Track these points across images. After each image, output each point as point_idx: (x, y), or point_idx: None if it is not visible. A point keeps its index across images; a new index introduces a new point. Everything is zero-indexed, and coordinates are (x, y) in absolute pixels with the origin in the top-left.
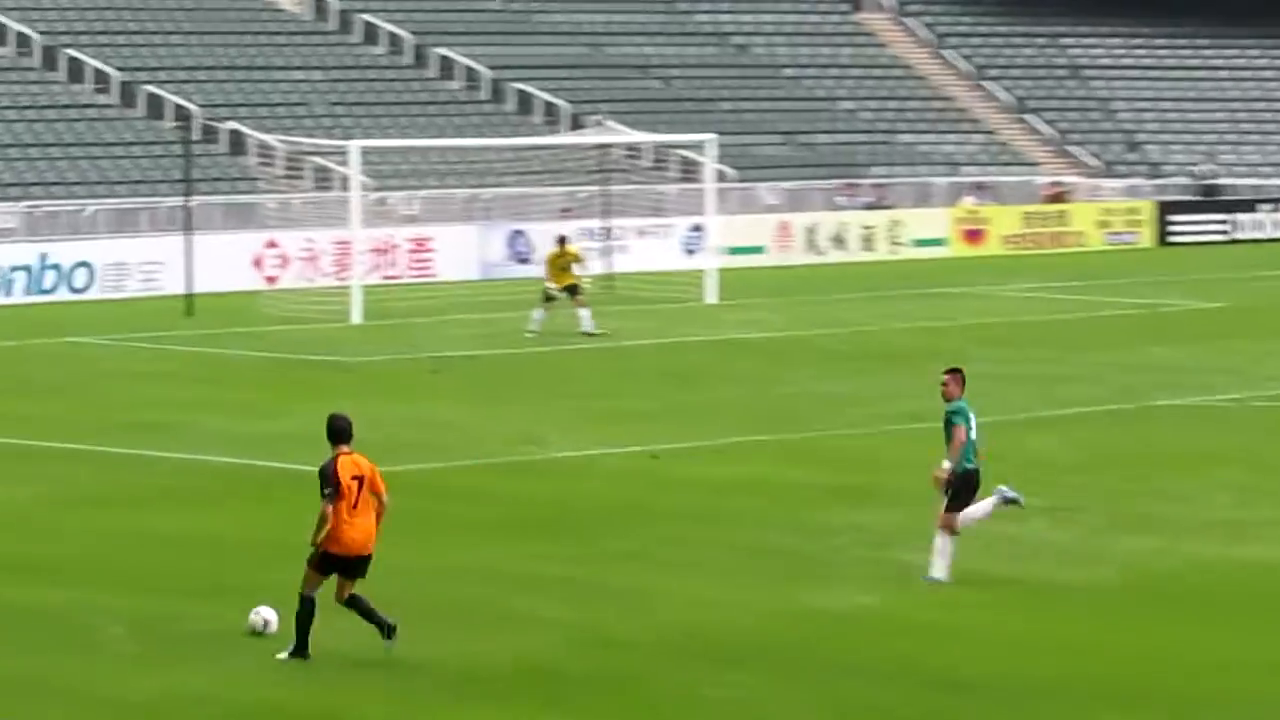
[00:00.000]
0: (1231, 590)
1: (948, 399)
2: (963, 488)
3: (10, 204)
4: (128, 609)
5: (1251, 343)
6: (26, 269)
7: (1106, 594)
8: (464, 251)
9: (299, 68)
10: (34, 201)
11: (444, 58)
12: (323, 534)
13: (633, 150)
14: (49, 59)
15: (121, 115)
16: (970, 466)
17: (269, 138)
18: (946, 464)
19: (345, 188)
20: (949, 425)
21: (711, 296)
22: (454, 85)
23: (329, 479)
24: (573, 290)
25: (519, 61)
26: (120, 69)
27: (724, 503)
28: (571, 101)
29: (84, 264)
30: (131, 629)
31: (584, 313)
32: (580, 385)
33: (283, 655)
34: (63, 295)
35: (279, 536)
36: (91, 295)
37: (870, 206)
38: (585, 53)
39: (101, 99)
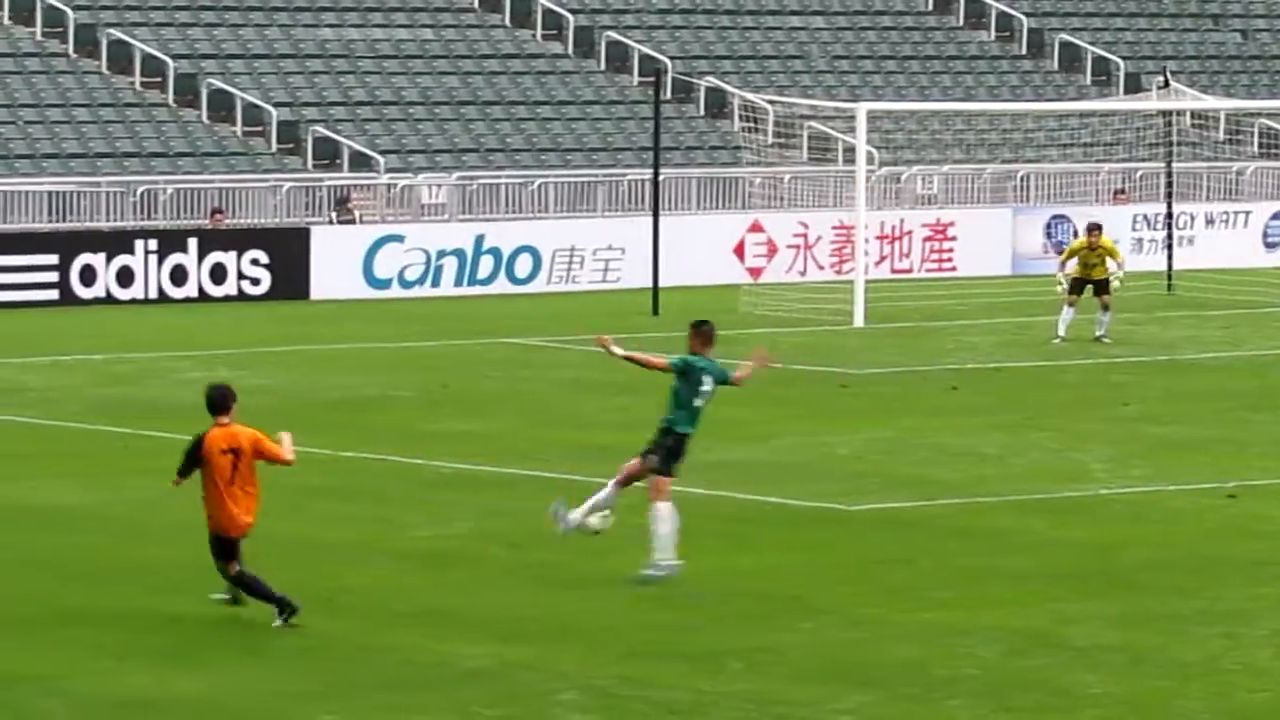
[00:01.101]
0: None
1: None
2: (674, 449)
3: (440, 174)
4: (578, 671)
5: None
6: (459, 254)
7: None
8: (993, 241)
9: (794, 12)
10: (468, 172)
11: (972, 1)
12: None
13: (1203, 118)
14: None
15: (577, 67)
16: (685, 430)
17: (756, 98)
18: (619, 350)
19: (849, 161)
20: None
21: None
22: (984, 36)
23: (187, 455)
24: (1100, 287)
25: (1064, 6)
26: (575, 10)
27: None
28: (1129, 57)
29: (528, 249)
30: (585, 696)
31: (1105, 316)
32: (1130, 407)
33: (278, 623)
34: (502, 287)
35: (757, 587)
36: (537, 287)
37: None
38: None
39: (553, 47)
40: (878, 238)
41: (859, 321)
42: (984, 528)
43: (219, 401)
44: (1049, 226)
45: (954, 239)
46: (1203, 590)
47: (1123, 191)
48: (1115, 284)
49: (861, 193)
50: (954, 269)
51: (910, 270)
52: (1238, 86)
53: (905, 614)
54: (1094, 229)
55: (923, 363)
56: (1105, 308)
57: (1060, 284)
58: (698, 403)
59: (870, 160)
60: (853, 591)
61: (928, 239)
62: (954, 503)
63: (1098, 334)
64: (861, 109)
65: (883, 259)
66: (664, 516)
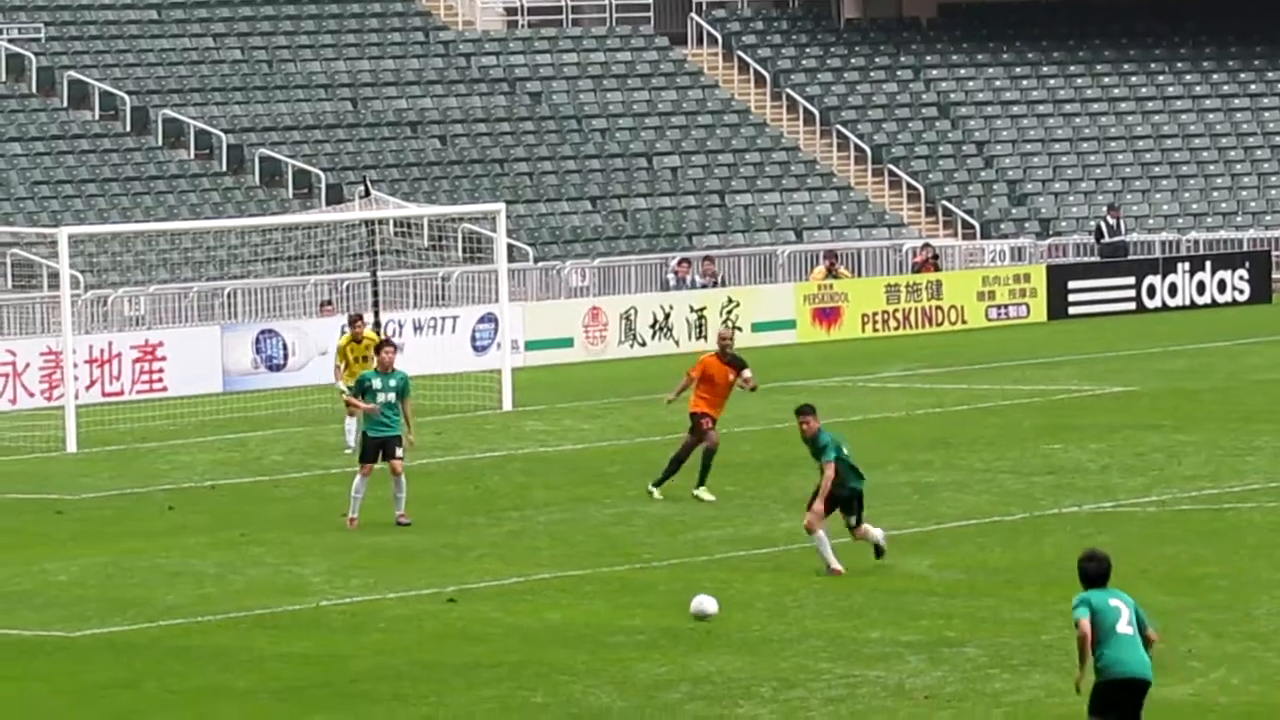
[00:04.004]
0: None
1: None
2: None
3: None
4: None
5: (1167, 435)
6: None
7: None
8: (203, 359)
9: None
10: None
11: (170, 120)
12: None
13: (406, 226)
14: None
15: None
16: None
17: None
18: None
19: (54, 286)
20: None
21: (508, 402)
22: (184, 154)
23: None
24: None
25: (263, 122)
26: None
27: (535, 654)
28: (329, 169)
29: None
30: None
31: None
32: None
33: None
34: None
35: None
36: None
37: (704, 284)
38: (345, 109)
39: None
40: (87, 362)
41: (71, 447)
42: (208, 646)
43: None
44: (258, 341)
45: (164, 359)
46: (426, 696)
47: (329, 303)
48: None
49: (68, 318)
50: (165, 389)
51: (121, 393)
52: (439, 193)
53: None
54: (356, 319)
55: (138, 485)
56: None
57: (343, 392)
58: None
59: (76, 284)
60: (76, 719)
61: (137, 360)
62: (177, 623)
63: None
64: (63, 233)
65: (93, 383)
66: None
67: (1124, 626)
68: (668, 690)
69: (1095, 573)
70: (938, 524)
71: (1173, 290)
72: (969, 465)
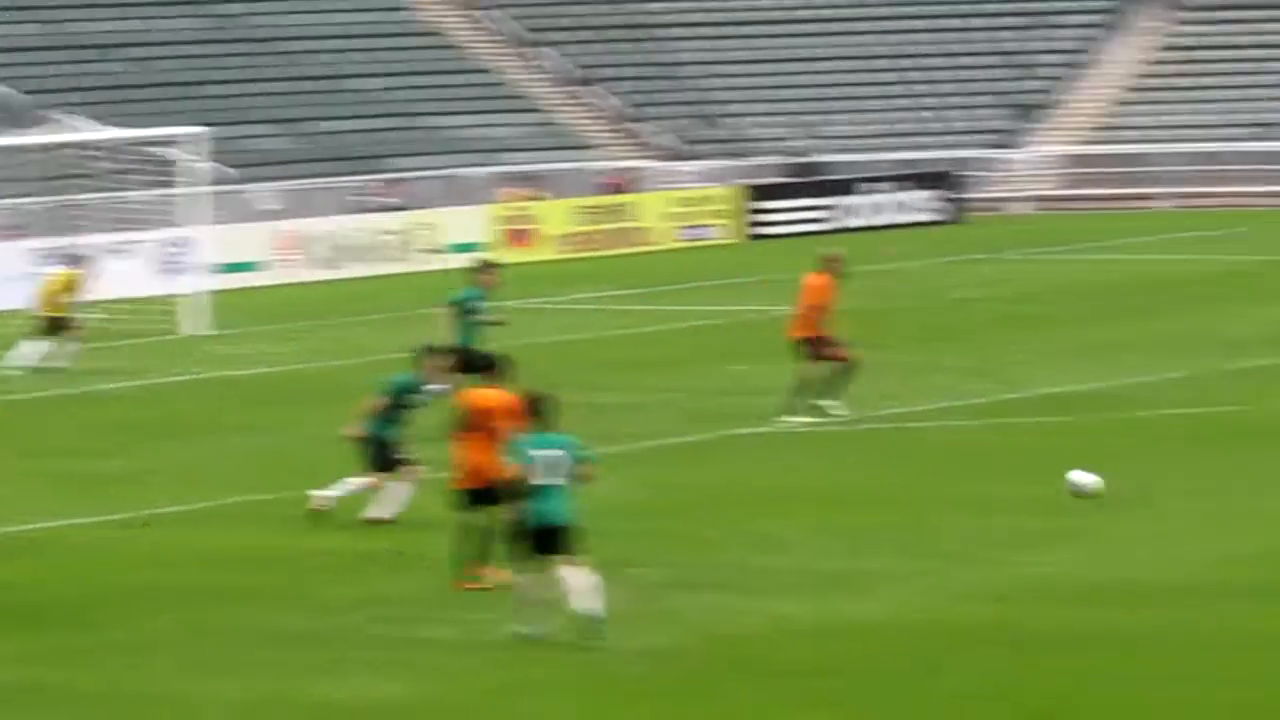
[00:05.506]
0: (834, 656)
1: None
2: None
3: None
4: None
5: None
6: None
7: (670, 660)
8: None
9: None
10: None
11: None
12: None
13: (96, 149)
14: None
15: None
16: None
17: None
18: None
19: None
20: None
21: (198, 326)
22: None
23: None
24: (65, 323)
25: None
26: None
27: (223, 578)
28: (24, 92)
29: None
30: None
31: (74, 348)
32: (35, 442)
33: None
34: None
35: None
36: None
37: (395, 207)
38: (36, 31)
39: None
40: None
41: None
42: None
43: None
44: None
45: None
46: (111, 621)
47: (19, 227)
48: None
49: None
50: None
51: None
52: (131, 116)
53: None
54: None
55: None
56: (75, 340)
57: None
58: None
59: None
60: None
61: None
62: None
63: (56, 365)
64: None
65: None
66: None
67: (551, 478)
68: (352, 612)
69: (538, 411)
70: (629, 444)
71: (865, 210)
72: (657, 385)
